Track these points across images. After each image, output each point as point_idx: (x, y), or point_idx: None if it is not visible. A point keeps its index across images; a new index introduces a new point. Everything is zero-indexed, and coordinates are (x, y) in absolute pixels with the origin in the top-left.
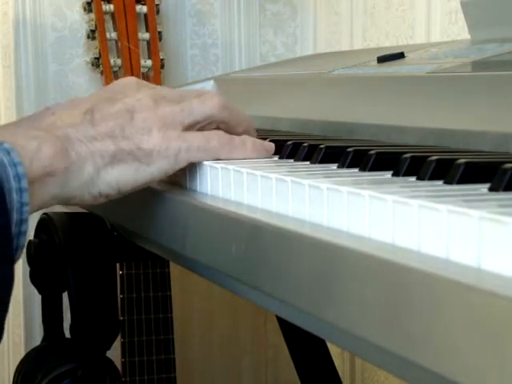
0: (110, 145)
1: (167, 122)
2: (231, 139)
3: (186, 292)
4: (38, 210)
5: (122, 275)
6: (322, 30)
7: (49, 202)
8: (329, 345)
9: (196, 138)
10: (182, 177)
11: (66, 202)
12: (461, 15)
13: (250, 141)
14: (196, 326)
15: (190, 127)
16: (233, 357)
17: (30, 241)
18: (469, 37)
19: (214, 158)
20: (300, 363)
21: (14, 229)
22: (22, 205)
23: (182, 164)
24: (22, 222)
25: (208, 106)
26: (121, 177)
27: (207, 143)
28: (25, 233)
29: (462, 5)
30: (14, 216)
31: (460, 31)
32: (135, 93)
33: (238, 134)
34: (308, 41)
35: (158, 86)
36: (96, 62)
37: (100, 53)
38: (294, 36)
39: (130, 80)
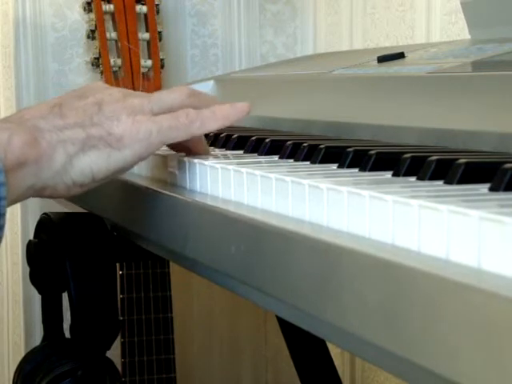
0: (81, 132)
1: (136, 110)
2: (200, 113)
3: (186, 292)
4: (14, 202)
5: (121, 275)
6: (322, 30)
7: (25, 194)
8: (329, 345)
9: (165, 118)
10: (182, 177)
11: (40, 192)
12: (461, 15)
13: (218, 108)
14: (196, 326)
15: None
16: (233, 357)
17: (29, 241)
18: (469, 37)
19: (187, 135)
20: (300, 363)
21: None
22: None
23: (156, 146)
24: (0, 216)
25: (175, 93)
26: (93, 163)
27: (177, 121)
28: (2, 227)
29: (462, 5)
30: None
31: (460, 31)
32: (105, 90)
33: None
34: (308, 41)
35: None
36: (96, 62)
37: (100, 53)
38: (294, 36)
39: (99, 83)
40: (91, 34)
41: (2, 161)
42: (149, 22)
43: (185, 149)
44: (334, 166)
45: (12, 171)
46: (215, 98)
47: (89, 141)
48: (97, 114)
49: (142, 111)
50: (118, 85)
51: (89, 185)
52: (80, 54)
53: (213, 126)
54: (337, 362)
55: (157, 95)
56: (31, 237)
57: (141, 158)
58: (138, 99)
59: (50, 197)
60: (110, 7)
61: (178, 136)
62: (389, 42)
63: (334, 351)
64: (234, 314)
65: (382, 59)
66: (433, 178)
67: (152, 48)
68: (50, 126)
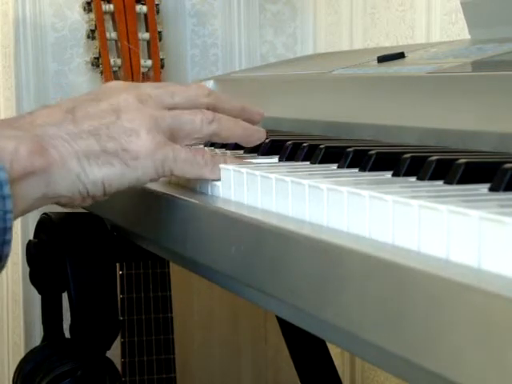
0: (95, 145)
1: (155, 124)
2: (213, 158)
3: (186, 292)
4: (24, 213)
5: (121, 275)
6: (322, 30)
7: (36, 204)
8: (329, 345)
9: (184, 149)
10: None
11: (56, 201)
12: (461, 15)
13: (231, 160)
14: (196, 326)
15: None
16: (233, 357)
17: (29, 241)
18: (469, 37)
19: (196, 175)
20: (300, 363)
21: None
22: (4, 212)
23: (167, 173)
24: (6, 230)
25: (193, 90)
26: (106, 178)
27: (194, 157)
28: (9, 242)
29: (462, 5)
30: None
31: (460, 31)
32: (120, 93)
33: (233, 116)
34: (308, 41)
35: (144, 85)
36: (96, 62)
37: (100, 53)
38: (293, 36)
39: (116, 83)
40: (91, 34)
41: (8, 172)
42: (149, 21)
43: None
44: (334, 166)
45: (19, 181)
46: (233, 100)
47: (103, 155)
48: (113, 123)
49: (161, 125)
50: None
51: (100, 197)
52: (80, 53)
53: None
54: (337, 362)
55: (175, 89)
56: (31, 237)
57: (151, 180)
58: (155, 103)
59: (68, 206)
60: (109, 7)
61: (189, 173)
62: (389, 41)
63: (334, 351)
64: (234, 313)
65: (382, 59)
66: (433, 178)
67: (152, 48)
68: (62, 133)
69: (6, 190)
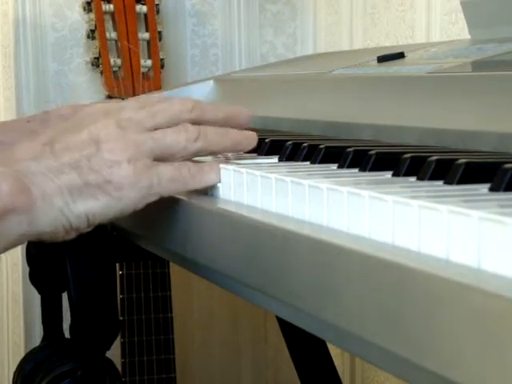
0: (77, 178)
1: (137, 151)
2: (199, 168)
3: (186, 292)
4: (5, 251)
5: (121, 275)
6: (322, 30)
7: (16, 241)
8: (329, 345)
9: (167, 169)
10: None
11: (37, 238)
12: (461, 15)
13: (216, 165)
14: (196, 326)
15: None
16: (233, 357)
17: (29, 241)
18: (469, 37)
19: (185, 189)
20: (300, 363)
21: None
22: None
23: (154, 197)
24: None
25: (177, 105)
26: (89, 211)
27: (179, 173)
28: None
29: (462, 5)
30: None
31: (460, 31)
32: (99, 120)
33: (221, 125)
34: (308, 41)
35: (125, 106)
36: (96, 62)
37: (100, 53)
38: (293, 36)
39: (94, 108)
40: (91, 34)
41: None
42: (149, 21)
43: None
44: (334, 166)
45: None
46: (217, 109)
47: (86, 189)
48: (94, 155)
49: (142, 152)
50: (118, 85)
51: (83, 230)
52: (80, 53)
53: (213, 179)
54: (337, 362)
55: (157, 108)
56: None
57: (136, 208)
58: (136, 128)
59: (51, 240)
60: (109, 7)
61: (177, 189)
62: (389, 41)
63: (334, 351)
64: (234, 313)
65: (382, 59)
66: (433, 178)
67: (152, 48)
68: (42, 168)
69: None
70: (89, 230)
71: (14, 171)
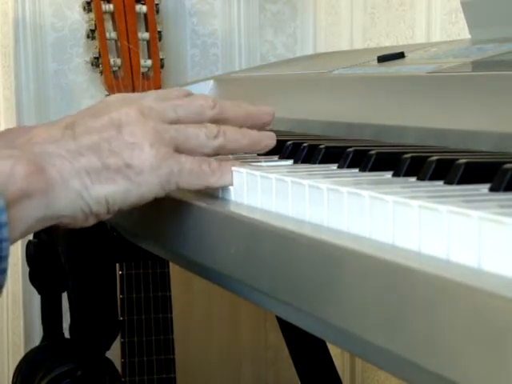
0: (96, 161)
1: (158, 137)
2: (220, 165)
3: (186, 292)
4: (24, 236)
5: (121, 275)
6: (322, 30)
7: (36, 225)
8: (329, 345)
9: (189, 160)
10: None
11: (57, 222)
12: (461, 15)
13: (237, 165)
14: (196, 325)
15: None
16: (233, 357)
17: (29, 241)
18: (469, 37)
19: (203, 185)
20: (300, 363)
21: None
22: (0, 241)
23: (173, 187)
24: (2, 259)
25: (199, 101)
26: (109, 195)
27: (199, 167)
28: (4, 271)
29: (462, 4)
30: None
31: (460, 31)
32: (121, 107)
33: (241, 124)
34: (308, 41)
35: (147, 96)
36: (96, 62)
37: (100, 52)
38: (293, 36)
39: (116, 96)
40: (91, 34)
41: (4, 196)
42: (149, 21)
43: None
44: (334, 166)
45: (16, 204)
46: (238, 108)
47: (105, 172)
48: (115, 138)
49: (164, 138)
50: (118, 84)
51: (103, 216)
52: (80, 53)
53: (229, 181)
54: (337, 362)
55: (179, 102)
56: (31, 237)
57: (156, 196)
58: (157, 117)
59: (69, 226)
60: (109, 7)
61: (195, 183)
62: (389, 41)
63: (334, 351)
64: (234, 314)
65: (382, 59)
66: (433, 178)
67: (152, 48)
68: (62, 150)
69: (3, 217)
70: (108, 216)
71: (30, 154)
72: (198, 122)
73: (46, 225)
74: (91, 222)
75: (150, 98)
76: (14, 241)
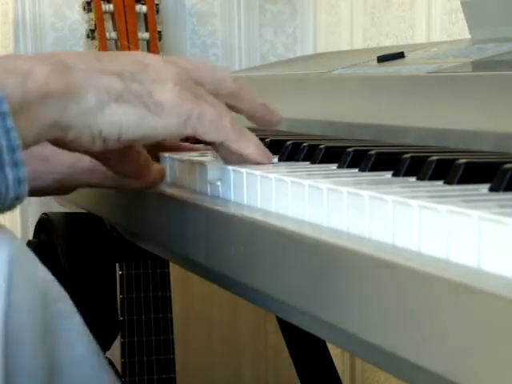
0: (118, 83)
1: (183, 81)
2: (243, 129)
3: (186, 292)
4: (36, 139)
5: (121, 275)
6: (322, 30)
7: (47, 131)
8: (329, 345)
9: (210, 110)
10: (182, 177)
11: (64, 133)
12: (461, 15)
13: (255, 140)
14: (196, 326)
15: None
16: (233, 357)
17: (29, 241)
18: (469, 36)
19: (219, 138)
20: (300, 363)
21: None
22: (7, 130)
23: (189, 131)
24: (14, 148)
25: (219, 74)
26: (125, 117)
27: (220, 120)
28: (21, 163)
29: (462, 4)
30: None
31: (460, 31)
32: (152, 56)
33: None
34: (308, 41)
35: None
36: None
37: None
38: (293, 36)
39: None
40: (91, 34)
41: (20, 89)
42: (148, 21)
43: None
44: (334, 166)
45: (35, 101)
46: (253, 97)
47: (126, 94)
48: (140, 72)
49: (190, 83)
50: None
51: (113, 143)
52: None
53: (243, 148)
54: (337, 362)
55: (201, 67)
56: (31, 237)
57: (170, 135)
58: (181, 69)
59: (74, 145)
60: (109, 7)
61: (212, 135)
62: (389, 41)
63: (334, 351)
64: (234, 314)
65: (382, 59)
66: (433, 178)
67: (152, 48)
68: (83, 66)
69: (5, 107)
70: (117, 146)
71: (51, 60)
72: (217, 90)
73: (55, 135)
74: (98, 146)
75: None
76: (28, 144)
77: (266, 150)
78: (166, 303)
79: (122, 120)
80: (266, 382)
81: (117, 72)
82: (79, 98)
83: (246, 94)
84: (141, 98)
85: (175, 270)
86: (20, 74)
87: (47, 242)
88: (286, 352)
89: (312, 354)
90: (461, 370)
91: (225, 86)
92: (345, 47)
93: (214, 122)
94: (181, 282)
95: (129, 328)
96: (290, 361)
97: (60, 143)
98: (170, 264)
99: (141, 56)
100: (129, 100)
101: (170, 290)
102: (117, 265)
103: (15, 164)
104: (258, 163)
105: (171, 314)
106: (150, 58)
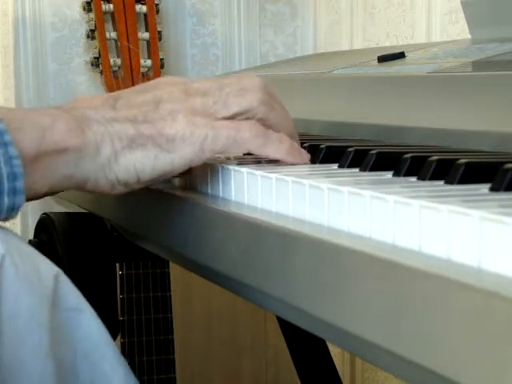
0: (130, 128)
1: (195, 111)
2: (266, 132)
3: (186, 292)
4: (51, 190)
5: (121, 275)
6: (322, 30)
7: (62, 184)
8: (329, 345)
9: (225, 126)
10: (182, 176)
11: (80, 184)
12: (461, 15)
13: (287, 141)
14: (196, 325)
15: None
16: (233, 357)
17: (29, 241)
18: (469, 36)
19: (243, 150)
20: (300, 363)
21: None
22: (10, 158)
23: (208, 154)
24: (16, 176)
25: (247, 100)
26: (138, 162)
27: (237, 133)
28: (20, 191)
29: (463, 4)
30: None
31: (460, 31)
32: (167, 86)
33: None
34: (308, 41)
35: (198, 80)
36: (96, 62)
37: (100, 52)
38: (293, 36)
39: (171, 78)
40: (91, 34)
41: (36, 141)
42: (148, 21)
43: None
44: (335, 166)
45: (49, 155)
46: (289, 116)
47: (137, 138)
48: (151, 112)
49: (202, 113)
50: (117, 84)
51: (133, 185)
52: (80, 53)
53: (272, 153)
54: (337, 362)
55: (223, 97)
56: (31, 237)
57: (190, 164)
58: (201, 99)
59: (93, 191)
60: (109, 7)
61: (232, 148)
62: (389, 41)
63: (334, 351)
64: (234, 313)
65: (382, 59)
66: (433, 178)
67: (152, 48)
68: (99, 117)
69: (6, 137)
70: (139, 186)
71: (70, 115)
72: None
73: (71, 186)
74: (119, 190)
75: (200, 82)
76: (41, 194)
77: (301, 150)
78: (166, 303)
79: (136, 165)
80: (265, 382)
81: (129, 117)
82: (94, 152)
83: (275, 116)
84: (152, 138)
85: (175, 270)
86: (40, 128)
87: (47, 241)
88: (286, 352)
89: (312, 354)
90: (461, 369)
91: (253, 113)
92: (345, 47)
93: (231, 137)
94: (181, 281)
95: (129, 328)
96: (290, 361)
97: (80, 189)
98: (170, 264)
99: (160, 91)
100: (140, 143)
101: (170, 290)
102: (117, 265)
103: (16, 191)
104: (292, 164)
105: (171, 313)
106: (168, 91)
